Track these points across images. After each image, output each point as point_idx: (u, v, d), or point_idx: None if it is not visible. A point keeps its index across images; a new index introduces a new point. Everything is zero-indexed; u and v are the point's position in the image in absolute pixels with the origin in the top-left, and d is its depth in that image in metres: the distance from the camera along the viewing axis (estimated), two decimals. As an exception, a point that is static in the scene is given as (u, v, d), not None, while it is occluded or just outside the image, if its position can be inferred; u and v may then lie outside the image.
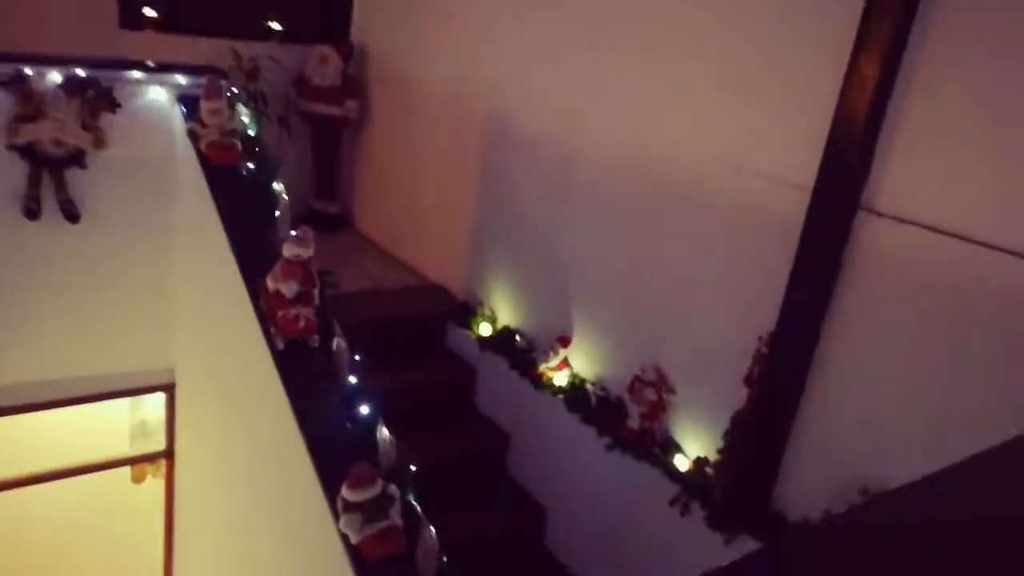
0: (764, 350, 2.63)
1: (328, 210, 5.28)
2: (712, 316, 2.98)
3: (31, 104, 3.17)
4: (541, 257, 3.79)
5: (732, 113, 2.86)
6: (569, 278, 3.62)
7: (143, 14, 4.64)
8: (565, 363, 3.58)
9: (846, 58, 2.36)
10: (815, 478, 2.62)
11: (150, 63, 3.51)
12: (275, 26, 4.91)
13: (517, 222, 3.93)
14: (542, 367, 3.65)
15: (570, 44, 3.54)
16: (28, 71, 3.17)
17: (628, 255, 3.33)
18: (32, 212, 3.34)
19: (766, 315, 2.64)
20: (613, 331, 3.43)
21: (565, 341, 3.57)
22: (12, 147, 3.19)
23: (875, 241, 2.40)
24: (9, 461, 3.98)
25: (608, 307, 3.45)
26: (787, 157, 2.66)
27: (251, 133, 3.50)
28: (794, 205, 2.55)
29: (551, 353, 3.62)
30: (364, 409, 2.46)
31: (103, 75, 3.34)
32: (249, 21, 4.89)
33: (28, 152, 3.25)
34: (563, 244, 3.65)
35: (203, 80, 3.41)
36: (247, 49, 4.71)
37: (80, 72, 3.28)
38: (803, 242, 2.50)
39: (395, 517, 2.10)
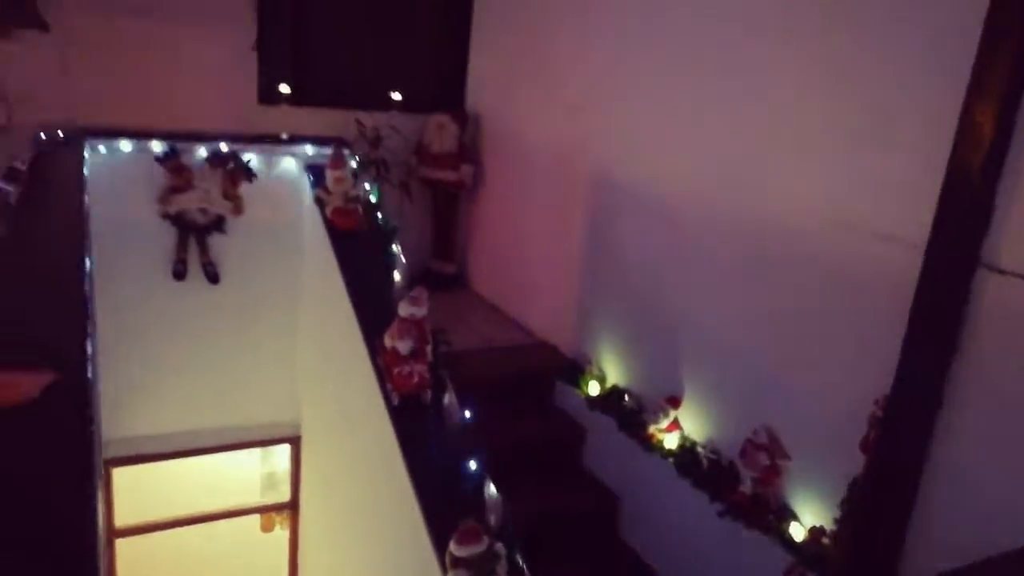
0: (880, 414, 2.53)
1: (444, 270, 5.48)
2: (824, 378, 2.89)
3: (182, 177, 3.52)
4: (649, 315, 3.79)
5: (839, 167, 2.82)
6: (677, 337, 3.60)
7: (279, 91, 5.05)
8: (675, 424, 3.54)
9: (959, 107, 2.30)
10: (943, 553, 2.47)
11: (283, 136, 3.83)
12: (396, 97, 5.21)
13: (624, 280, 3.96)
14: (652, 428, 3.62)
15: (676, 100, 3.58)
16: (180, 148, 3.52)
17: (735, 313, 3.29)
18: (179, 274, 3.68)
19: (881, 378, 2.54)
20: (722, 392, 3.38)
21: (675, 402, 3.54)
22: (165, 216, 3.54)
23: (998, 300, 2.28)
24: (150, 506, 4.29)
25: (717, 367, 3.40)
26: (898, 212, 2.59)
27: (372, 199, 3.73)
28: (907, 262, 2.47)
29: (661, 414, 3.59)
30: (473, 465, 2.53)
31: (242, 148, 3.67)
32: (372, 93, 5.21)
33: (178, 220, 3.59)
34: (670, 302, 3.65)
35: (329, 150, 3.68)
36: (371, 119, 5.02)
37: (223, 147, 3.62)
38: (917, 302, 2.41)
39: (501, 575, 2.13)
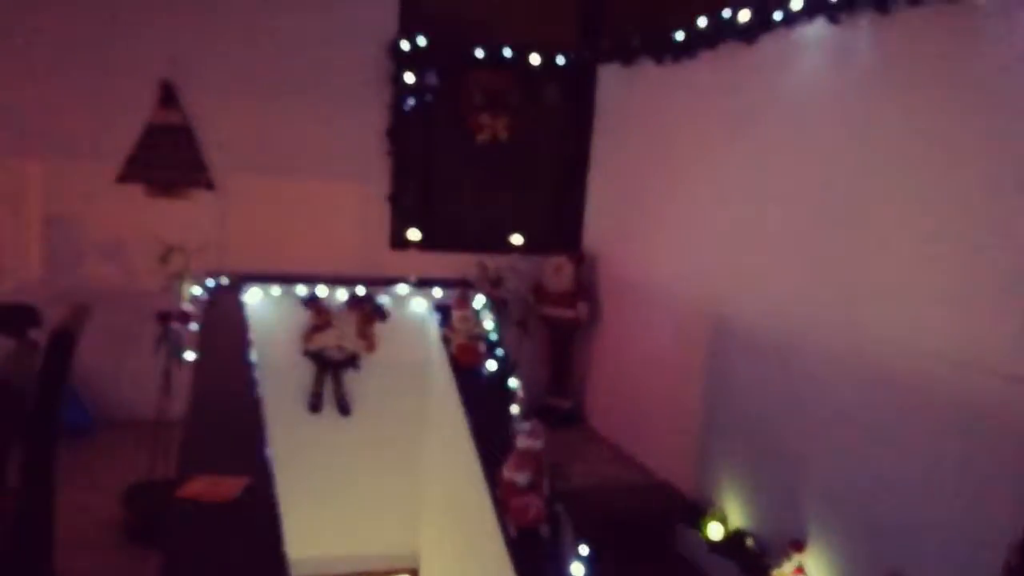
0: (1014, 562, 2.37)
1: (561, 406, 5.58)
2: (955, 521, 2.73)
3: (323, 318, 3.86)
4: (769, 455, 3.72)
5: (956, 303, 2.78)
6: (800, 477, 3.50)
7: (408, 237, 5.49)
8: (800, 570, 3.38)
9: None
10: None
11: (413, 278, 4.14)
12: (516, 240, 5.53)
13: (744, 418, 3.92)
14: (775, 574, 3.47)
15: (795, 238, 3.64)
16: (322, 291, 3.89)
17: (859, 453, 3.19)
18: (315, 407, 3.96)
19: (1016, 523, 2.40)
20: (848, 536, 3.23)
21: (799, 546, 3.40)
22: (306, 352, 3.87)
23: None
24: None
25: (842, 509, 3.27)
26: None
27: (492, 337, 3.94)
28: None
29: (784, 559, 3.45)
30: (590, 603, 2.52)
31: (377, 291, 4.00)
32: (494, 237, 5.57)
33: (317, 356, 3.91)
34: (791, 441, 3.58)
35: (454, 291, 3.96)
36: (492, 261, 5.33)
37: (359, 290, 3.96)
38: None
39: None
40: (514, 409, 3.46)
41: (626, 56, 5.05)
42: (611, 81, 5.43)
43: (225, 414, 2.71)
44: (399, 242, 5.49)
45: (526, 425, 2.95)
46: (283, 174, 5.19)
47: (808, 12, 3.49)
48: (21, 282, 4.80)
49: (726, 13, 3.96)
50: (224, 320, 3.03)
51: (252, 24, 5.03)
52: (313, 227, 5.27)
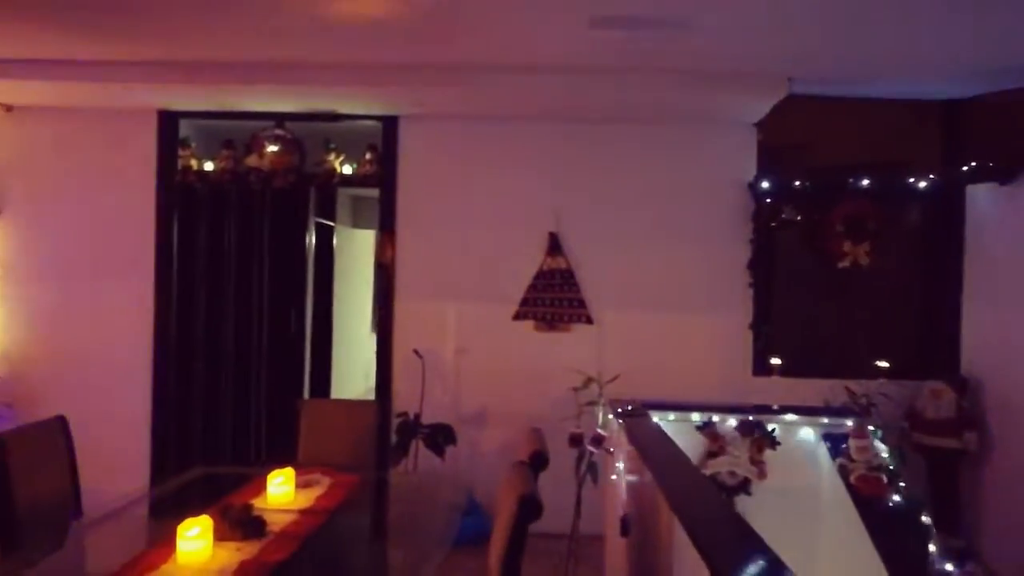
0: None
1: (948, 544, 5.18)
2: None
3: (717, 443, 4.13)
4: None
5: None
6: None
7: (770, 363, 5.63)
8: None
9: None
10: None
11: (800, 407, 4.27)
12: (883, 364, 5.41)
13: None
14: None
15: None
16: (715, 418, 4.17)
17: None
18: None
19: None
20: None
21: None
22: (704, 477, 4.13)
23: None
24: None
25: None
26: None
27: (892, 467, 3.90)
28: None
29: None
30: None
31: (764, 418, 4.19)
32: (856, 362, 5.50)
33: (711, 482, 4.15)
34: None
35: (843, 420, 4.02)
36: (858, 387, 5.26)
37: (749, 417, 4.18)
38: None
39: None
40: (931, 547, 3.39)
41: (1005, 175, 4.90)
42: (985, 200, 5.26)
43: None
44: (761, 368, 5.65)
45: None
46: (651, 308, 5.69)
47: None
48: (437, 406, 5.71)
49: None
50: (654, 444, 3.40)
51: (622, 178, 5.72)
52: (679, 355, 5.64)
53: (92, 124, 5.84)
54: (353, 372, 8.64)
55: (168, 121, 5.82)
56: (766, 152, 5.66)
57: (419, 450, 5.44)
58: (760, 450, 4.13)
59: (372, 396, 6.20)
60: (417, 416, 5.50)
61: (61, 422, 3.53)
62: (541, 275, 5.73)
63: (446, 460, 5.41)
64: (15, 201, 5.90)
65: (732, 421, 4.19)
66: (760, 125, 5.60)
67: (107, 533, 3.18)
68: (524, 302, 5.75)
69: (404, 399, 5.63)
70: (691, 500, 2.55)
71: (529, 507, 2.37)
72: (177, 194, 5.88)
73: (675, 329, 5.67)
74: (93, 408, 5.18)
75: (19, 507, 3.13)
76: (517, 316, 5.75)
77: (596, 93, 5.05)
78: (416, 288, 5.83)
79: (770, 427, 4.15)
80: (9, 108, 5.80)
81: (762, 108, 5.26)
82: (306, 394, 6.53)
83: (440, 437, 5.43)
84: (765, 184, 5.53)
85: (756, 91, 4.93)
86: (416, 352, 5.69)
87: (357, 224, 9.18)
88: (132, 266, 5.85)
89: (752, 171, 5.63)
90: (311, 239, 6.78)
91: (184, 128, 5.92)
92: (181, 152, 5.88)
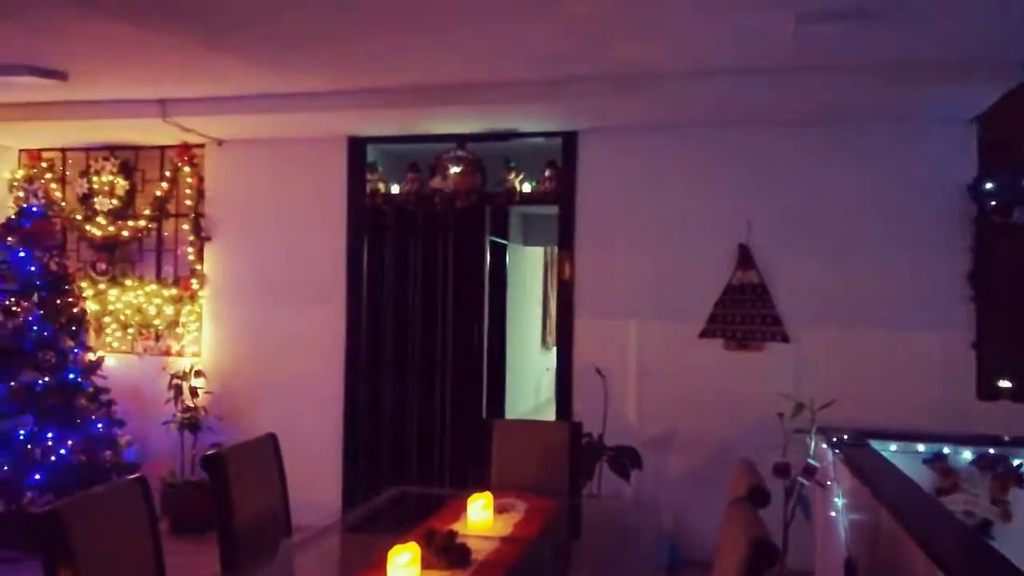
0: None
1: None
2: None
3: (949, 479, 3.67)
4: None
5: None
6: None
7: (998, 386, 5.00)
8: None
9: None
10: None
11: (1005, 437, 3.72)
12: None
13: None
14: None
15: None
16: (946, 449, 3.71)
17: None
18: None
19: None
20: None
21: None
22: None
23: None
24: None
25: None
26: None
27: None
28: None
29: None
30: None
31: (1011, 451, 3.68)
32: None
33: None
34: None
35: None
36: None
37: (990, 450, 3.68)
38: None
39: None
40: None
41: None
42: None
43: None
44: (988, 392, 5.03)
45: None
46: (855, 325, 5.21)
47: None
48: (618, 426, 5.51)
49: None
50: (885, 479, 3.05)
51: (818, 184, 5.30)
52: (889, 377, 5.12)
53: (289, 153, 6.19)
54: (524, 388, 8.64)
55: (357, 147, 6.06)
56: (988, 149, 5.05)
57: (603, 473, 5.27)
58: (1004, 489, 3.63)
59: (541, 412, 6.12)
60: (600, 437, 5.34)
61: (272, 439, 3.66)
62: (730, 290, 5.42)
63: (631, 485, 5.22)
64: (223, 228, 6.35)
65: (967, 454, 3.71)
66: (980, 119, 5.02)
67: (313, 554, 3.24)
68: (712, 319, 5.45)
69: (583, 419, 5.50)
70: (954, 551, 2.22)
71: (763, 552, 2.14)
72: (366, 217, 6.10)
73: (883, 348, 5.16)
74: (292, 425, 5.42)
75: (237, 523, 3.25)
76: (704, 334, 5.46)
77: (800, 94, 4.72)
78: (596, 305, 5.69)
79: (1015, 462, 3.64)
80: (220, 142, 6.26)
81: (984, 100, 4.70)
82: (483, 411, 6.54)
83: (626, 460, 5.24)
84: (989, 185, 4.93)
85: (980, 81, 4.39)
86: (598, 371, 5.54)
87: (528, 241, 9.21)
88: (325, 288, 6.12)
89: (970, 171, 5.04)
90: (487, 257, 6.81)
91: (371, 153, 6.14)
92: (369, 176, 6.09)
